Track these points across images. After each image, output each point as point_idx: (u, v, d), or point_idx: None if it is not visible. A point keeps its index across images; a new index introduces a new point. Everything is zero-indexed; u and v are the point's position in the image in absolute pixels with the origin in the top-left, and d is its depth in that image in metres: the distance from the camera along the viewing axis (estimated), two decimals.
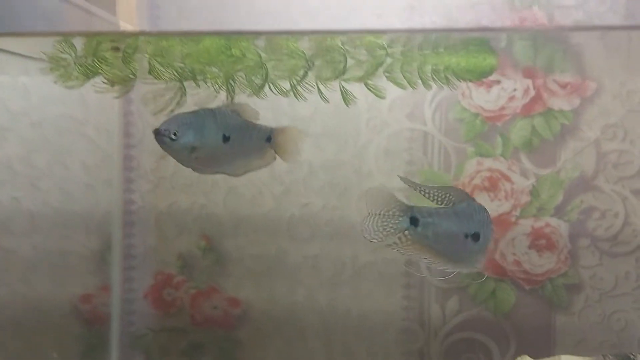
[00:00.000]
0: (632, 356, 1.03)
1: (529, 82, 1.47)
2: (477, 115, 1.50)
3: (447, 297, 1.54)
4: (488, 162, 1.50)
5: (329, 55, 0.92)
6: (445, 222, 0.96)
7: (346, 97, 1.01)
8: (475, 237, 0.95)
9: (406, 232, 0.95)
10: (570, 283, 1.49)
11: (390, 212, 0.97)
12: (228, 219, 1.60)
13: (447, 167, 1.52)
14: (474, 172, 1.50)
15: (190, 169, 1.10)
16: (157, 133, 1.00)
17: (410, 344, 1.55)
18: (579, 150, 1.47)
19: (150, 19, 1.60)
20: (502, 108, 1.49)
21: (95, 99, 1.62)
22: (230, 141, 1.06)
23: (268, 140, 1.10)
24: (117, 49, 0.92)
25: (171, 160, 1.65)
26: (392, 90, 1.52)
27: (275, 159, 1.13)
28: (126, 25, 1.49)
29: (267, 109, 1.60)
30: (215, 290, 1.60)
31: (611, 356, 1.02)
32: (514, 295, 1.52)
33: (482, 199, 1.51)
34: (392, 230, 0.96)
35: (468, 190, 1.51)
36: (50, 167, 1.61)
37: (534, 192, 1.49)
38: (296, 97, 1.06)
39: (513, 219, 1.50)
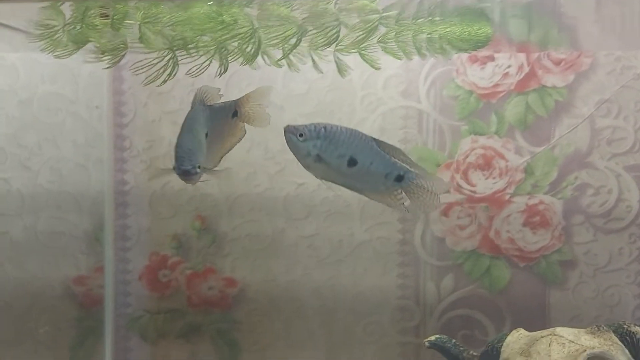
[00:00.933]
0: (625, 325, 1.06)
1: (523, 58, 1.48)
2: (471, 92, 1.51)
3: (442, 274, 1.56)
4: (482, 140, 1.51)
5: (321, 21, 0.92)
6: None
7: (341, 67, 1.01)
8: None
9: None
10: (564, 259, 1.52)
11: None
12: (223, 199, 1.60)
13: (442, 145, 1.53)
14: (469, 150, 1.52)
15: None
16: None
17: (406, 322, 1.58)
18: (573, 126, 1.49)
19: None
20: (497, 85, 1.50)
21: (86, 77, 1.61)
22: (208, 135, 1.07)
23: (235, 115, 1.10)
24: (105, 16, 0.91)
25: (163, 140, 1.67)
26: (386, 68, 1.54)
27: (245, 132, 1.13)
28: None
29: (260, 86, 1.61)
30: (211, 271, 1.61)
31: (605, 326, 1.05)
32: (508, 272, 1.54)
33: (476, 176, 1.52)
34: None
35: (462, 168, 1.53)
36: (40, 147, 1.61)
37: (528, 170, 1.51)
38: (289, 67, 1.06)
39: (507, 197, 1.52)
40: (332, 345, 1.61)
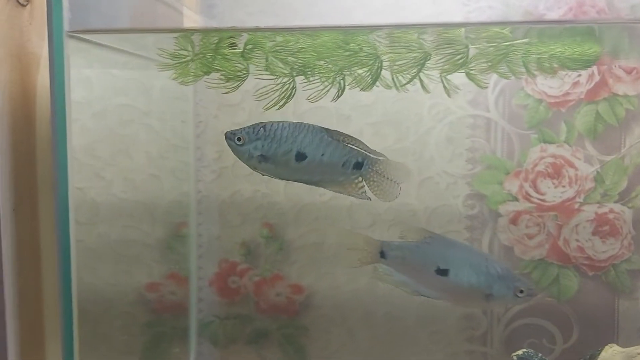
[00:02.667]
0: None
1: (593, 67, 1.50)
2: (540, 101, 1.53)
3: None
4: (552, 149, 1.53)
5: (451, 47, 0.95)
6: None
7: (448, 89, 1.05)
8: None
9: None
10: (633, 269, 1.53)
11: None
12: (289, 208, 1.65)
13: (510, 153, 1.55)
14: (538, 159, 1.54)
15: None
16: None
17: (473, 330, 1.60)
18: None
19: (206, 7, 1.65)
20: (566, 94, 1.51)
21: (158, 90, 1.67)
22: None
23: (357, 167, 1.05)
24: (234, 45, 0.96)
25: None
26: (454, 78, 1.57)
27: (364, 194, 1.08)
28: (190, 12, 1.53)
29: (328, 96, 1.65)
30: (278, 278, 1.65)
31: None
32: (577, 281, 1.56)
33: (545, 185, 1.54)
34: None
35: (531, 176, 1.55)
36: (113, 157, 1.67)
37: (598, 179, 1.52)
38: (423, 89, 1.08)
39: (576, 206, 1.53)
40: (397, 353, 1.64)
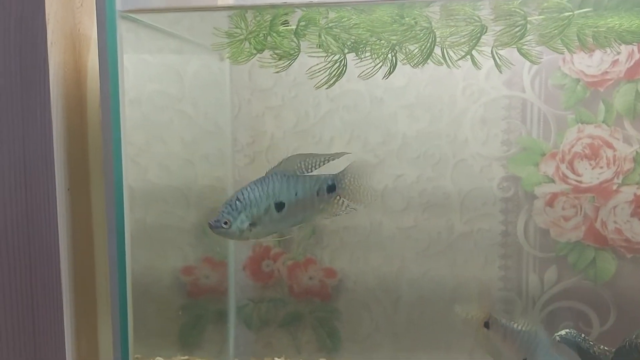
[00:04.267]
0: None
1: (633, 45, 1.45)
2: (578, 80, 1.48)
3: (545, 266, 1.55)
4: (589, 129, 1.49)
5: (509, 19, 0.92)
6: None
7: (499, 63, 1.01)
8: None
9: None
10: None
11: None
12: None
13: (547, 134, 1.51)
14: (575, 140, 1.49)
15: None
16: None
17: (508, 314, 1.57)
18: None
19: None
20: (605, 73, 1.46)
21: (191, 76, 1.67)
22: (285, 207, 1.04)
23: (331, 190, 1.07)
24: (286, 22, 0.94)
25: (265, 135, 1.71)
26: (489, 58, 1.53)
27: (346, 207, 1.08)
28: None
29: (359, 81, 1.63)
30: (311, 262, 1.64)
31: None
32: (614, 263, 1.51)
33: (582, 166, 1.50)
34: None
35: (568, 158, 1.51)
36: (148, 144, 1.68)
37: (637, 159, 1.47)
38: (474, 64, 1.05)
39: (615, 187, 1.49)
40: (430, 337, 1.62)
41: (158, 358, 1.48)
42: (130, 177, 1.73)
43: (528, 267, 1.55)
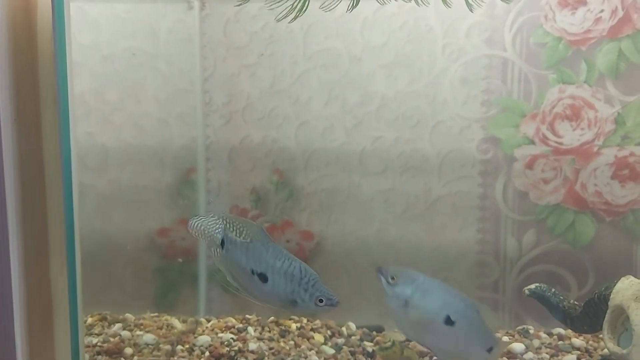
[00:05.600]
0: None
1: (617, 2, 1.38)
2: (560, 39, 1.42)
3: (524, 229, 1.50)
4: (571, 90, 1.43)
5: None
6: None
7: (469, 2, 0.94)
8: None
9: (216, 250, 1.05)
10: None
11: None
12: (300, 153, 1.58)
13: (527, 95, 1.45)
14: (556, 100, 1.43)
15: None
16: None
17: (485, 277, 1.53)
18: None
19: None
20: (588, 31, 1.40)
21: (165, 33, 1.60)
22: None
23: (489, 351, 0.97)
24: None
25: (242, 94, 1.65)
26: (469, 15, 1.47)
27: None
28: None
29: (337, 36, 1.56)
30: (289, 224, 1.59)
31: None
32: (594, 227, 1.47)
33: (563, 127, 1.45)
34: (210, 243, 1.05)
35: (549, 119, 1.45)
36: (122, 102, 1.61)
37: (618, 120, 1.42)
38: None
39: (595, 149, 1.43)
40: None
41: (127, 314, 1.44)
42: (104, 136, 1.67)
43: (506, 230, 1.51)
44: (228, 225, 1.07)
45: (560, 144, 1.44)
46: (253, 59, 1.55)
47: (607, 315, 1.00)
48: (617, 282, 1.03)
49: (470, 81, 1.46)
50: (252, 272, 1.02)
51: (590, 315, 1.03)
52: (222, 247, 1.05)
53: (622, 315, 0.95)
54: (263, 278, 1.02)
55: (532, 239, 1.49)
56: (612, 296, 1.01)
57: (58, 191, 1.00)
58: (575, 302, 1.10)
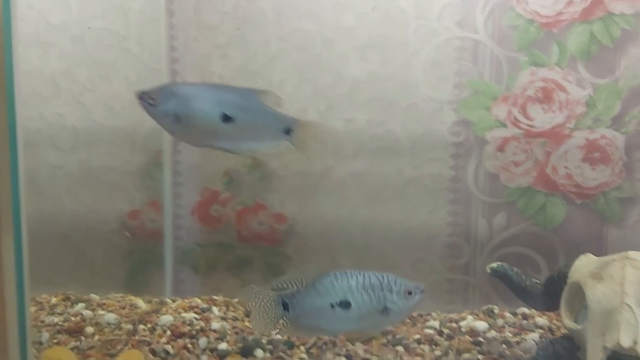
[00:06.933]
0: None
1: None
2: (532, 21, 1.37)
3: (494, 212, 1.46)
4: (542, 72, 1.39)
5: None
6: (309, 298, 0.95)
7: None
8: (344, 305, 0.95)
9: (284, 317, 0.96)
10: (624, 196, 1.40)
11: (267, 304, 0.96)
12: None
13: (499, 77, 1.41)
14: (527, 83, 1.39)
15: None
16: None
17: (456, 259, 1.49)
18: None
19: None
20: (560, 13, 1.36)
21: (137, 13, 1.53)
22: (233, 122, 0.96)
23: (287, 132, 0.99)
24: None
25: (214, 75, 1.59)
26: None
27: (284, 148, 1.01)
28: None
29: (310, 17, 1.51)
30: (261, 207, 1.55)
31: None
32: (564, 209, 1.43)
33: (535, 110, 1.41)
34: (278, 317, 0.95)
35: (520, 101, 1.41)
36: (93, 83, 1.55)
37: (590, 103, 1.38)
38: None
39: (567, 131, 1.40)
40: None
41: (92, 295, 1.39)
42: (74, 117, 1.61)
43: (477, 212, 1.47)
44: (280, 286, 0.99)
45: (532, 126, 1.40)
46: (224, 39, 1.49)
47: (564, 293, 0.97)
48: (576, 260, 1.00)
49: (442, 63, 1.42)
50: (332, 306, 0.95)
51: (551, 293, 1.00)
52: (288, 309, 0.96)
53: (579, 292, 0.92)
54: (345, 305, 0.95)
55: (502, 221, 1.45)
56: (570, 274, 0.98)
57: (5, 171, 0.93)
58: (537, 281, 1.07)
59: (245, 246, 1.56)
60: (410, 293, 0.98)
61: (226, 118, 0.94)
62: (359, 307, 0.95)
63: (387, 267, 1.51)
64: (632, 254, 0.93)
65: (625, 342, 0.81)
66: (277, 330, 0.96)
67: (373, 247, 1.52)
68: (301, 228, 1.54)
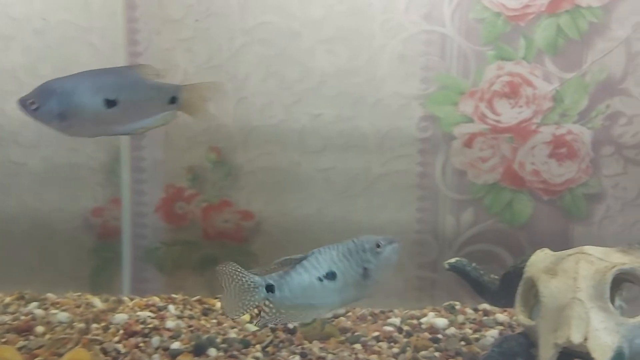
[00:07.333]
0: None
1: None
2: (499, 14, 1.34)
3: (462, 208, 1.43)
4: (509, 66, 1.36)
5: None
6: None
7: None
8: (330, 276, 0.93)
9: (266, 301, 0.93)
10: (591, 193, 1.38)
11: (245, 287, 0.93)
12: (237, 131, 1.49)
13: (466, 72, 1.38)
14: (494, 77, 1.36)
15: None
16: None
17: (424, 256, 1.46)
18: (608, 51, 1.32)
19: None
20: (526, 6, 1.33)
21: (99, 5, 1.49)
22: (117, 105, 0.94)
23: (173, 102, 0.97)
24: None
25: (179, 68, 1.55)
26: None
27: (175, 117, 1.00)
28: None
29: (275, 10, 1.47)
30: (227, 204, 1.51)
31: (637, 244, 0.92)
32: (531, 206, 1.41)
33: (501, 105, 1.38)
34: (253, 303, 0.93)
35: (487, 96, 1.39)
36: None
37: (557, 98, 1.36)
38: None
39: (533, 127, 1.37)
40: None
41: (48, 294, 1.34)
42: None
43: (445, 209, 1.44)
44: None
45: (499, 122, 1.37)
46: (189, 32, 1.45)
47: (519, 288, 0.94)
48: (531, 254, 0.98)
49: (409, 58, 1.39)
50: (320, 280, 0.94)
51: (507, 288, 0.98)
52: (273, 291, 0.94)
53: (533, 287, 0.90)
54: (331, 276, 0.94)
55: (470, 218, 1.43)
56: (525, 269, 0.96)
57: None
58: (495, 276, 1.04)
59: (211, 244, 1.52)
60: (378, 246, 0.96)
61: (110, 103, 0.93)
62: (343, 275, 0.94)
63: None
64: (587, 248, 0.91)
65: (576, 338, 0.79)
66: (260, 319, 0.93)
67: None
68: (268, 225, 1.50)
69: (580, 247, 0.91)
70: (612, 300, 0.91)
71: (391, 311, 1.30)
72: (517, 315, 0.91)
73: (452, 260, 1.05)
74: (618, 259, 0.87)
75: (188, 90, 0.98)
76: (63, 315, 1.15)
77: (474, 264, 1.04)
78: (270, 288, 0.93)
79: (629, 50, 1.31)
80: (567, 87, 1.34)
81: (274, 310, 0.93)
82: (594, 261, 0.87)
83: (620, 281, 0.91)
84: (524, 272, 0.93)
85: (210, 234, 1.52)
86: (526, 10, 1.33)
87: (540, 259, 0.94)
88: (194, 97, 0.98)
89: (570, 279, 0.85)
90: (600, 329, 0.80)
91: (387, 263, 0.97)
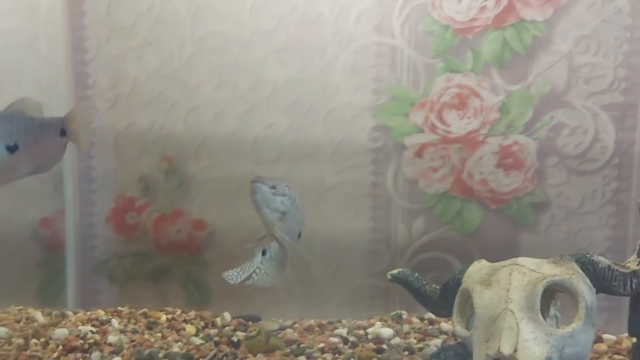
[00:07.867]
0: (587, 255, 0.95)
1: None
2: (447, 27, 1.36)
3: (414, 217, 1.44)
4: (457, 78, 1.37)
5: None
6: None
7: None
8: None
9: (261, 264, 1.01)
10: (536, 202, 1.40)
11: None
12: (190, 140, 1.46)
13: (416, 83, 1.38)
14: (443, 89, 1.37)
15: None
16: None
17: (377, 265, 1.46)
18: (551, 64, 1.35)
19: None
20: (473, 19, 1.34)
21: (46, 11, 1.44)
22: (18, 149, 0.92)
23: (63, 134, 0.95)
24: None
25: (129, 76, 1.51)
26: (359, 0, 1.39)
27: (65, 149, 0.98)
28: None
29: (226, 19, 1.45)
30: (179, 214, 1.48)
31: (568, 255, 0.94)
32: (480, 214, 1.42)
33: (451, 116, 1.39)
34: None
35: (437, 107, 1.40)
36: (1, 84, 1.45)
37: (503, 109, 1.37)
38: None
39: (481, 137, 1.39)
40: (301, 289, 1.50)
41: None
42: None
43: (397, 218, 1.44)
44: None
45: (448, 132, 1.39)
46: (139, 40, 1.41)
47: (456, 299, 0.95)
48: (469, 265, 0.98)
49: (360, 68, 1.38)
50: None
51: (447, 298, 0.98)
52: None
53: (469, 298, 0.91)
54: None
55: (421, 227, 1.43)
56: (463, 280, 0.96)
57: None
58: (437, 287, 1.04)
59: (164, 255, 1.49)
60: (273, 187, 1.05)
61: (10, 149, 0.92)
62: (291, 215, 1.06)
63: (308, 275, 1.48)
64: (520, 260, 0.91)
65: (506, 349, 0.79)
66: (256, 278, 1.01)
67: (294, 254, 1.48)
68: (221, 235, 1.48)
69: (515, 259, 0.92)
70: (547, 310, 0.92)
71: (339, 322, 1.29)
72: (454, 326, 0.92)
73: (395, 271, 1.05)
74: (549, 271, 0.89)
75: (72, 118, 0.96)
76: (2, 331, 1.10)
77: (416, 274, 1.04)
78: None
79: (571, 63, 1.33)
80: (513, 99, 1.36)
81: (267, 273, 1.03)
82: (527, 272, 0.88)
83: (554, 292, 0.92)
84: (462, 283, 0.94)
85: (162, 245, 1.49)
86: (473, 24, 1.34)
87: (476, 269, 0.95)
88: (80, 123, 0.96)
89: (503, 290, 0.86)
90: (530, 340, 0.81)
91: (277, 203, 1.06)
